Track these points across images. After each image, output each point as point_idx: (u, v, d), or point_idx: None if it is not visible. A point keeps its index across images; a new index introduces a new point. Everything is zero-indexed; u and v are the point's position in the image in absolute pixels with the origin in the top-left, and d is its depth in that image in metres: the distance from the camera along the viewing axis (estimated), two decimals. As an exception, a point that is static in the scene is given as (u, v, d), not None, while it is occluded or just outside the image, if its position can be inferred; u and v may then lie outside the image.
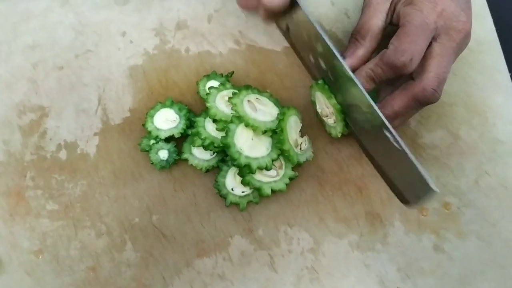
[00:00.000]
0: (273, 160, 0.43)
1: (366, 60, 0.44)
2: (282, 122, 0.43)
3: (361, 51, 0.44)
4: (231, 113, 0.44)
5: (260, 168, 0.42)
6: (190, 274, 0.44)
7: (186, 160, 0.46)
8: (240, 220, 0.46)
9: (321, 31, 0.41)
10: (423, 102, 0.41)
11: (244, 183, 0.43)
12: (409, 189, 0.39)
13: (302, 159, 0.45)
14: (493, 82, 0.50)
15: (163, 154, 0.46)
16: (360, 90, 0.40)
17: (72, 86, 0.50)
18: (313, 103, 0.47)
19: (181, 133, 0.46)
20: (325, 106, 0.45)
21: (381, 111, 0.42)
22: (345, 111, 0.44)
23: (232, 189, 0.44)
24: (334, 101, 0.44)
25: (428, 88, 0.41)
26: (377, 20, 0.44)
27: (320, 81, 0.45)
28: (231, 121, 0.43)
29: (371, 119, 0.40)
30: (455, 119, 0.49)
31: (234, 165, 0.43)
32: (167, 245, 0.45)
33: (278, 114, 0.44)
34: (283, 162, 0.45)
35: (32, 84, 0.50)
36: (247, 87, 0.45)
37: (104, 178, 0.47)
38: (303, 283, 0.44)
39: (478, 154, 0.48)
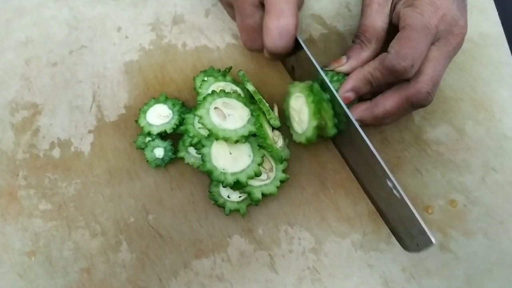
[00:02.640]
0: (259, 164, 0.42)
1: (368, 62, 0.43)
2: (259, 117, 0.42)
3: (366, 54, 0.43)
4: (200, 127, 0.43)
5: (250, 178, 0.41)
6: (187, 275, 0.43)
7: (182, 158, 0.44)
8: (239, 220, 0.44)
9: (323, 74, 0.41)
10: (416, 104, 0.41)
11: (234, 189, 0.42)
12: (409, 236, 0.39)
13: (284, 155, 0.44)
14: (499, 76, 0.49)
15: (159, 152, 0.45)
16: (361, 135, 0.39)
17: (66, 83, 0.49)
18: (286, 107, 0.45)
19: (173, 128, 0.45)
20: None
21: (373, 110, 0.42)
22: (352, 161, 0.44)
23: (228, 196, 0.43)
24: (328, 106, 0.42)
25: (422, 90, 0.40)
26: (381, 22, 0.43)
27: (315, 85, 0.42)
28: (202, 145, 0.42)
29: (373, 166, 0.39)
30: (460, 114, 0.47)
31: (224, 187, 0.42)
32: (163, 245, 0.43)
33: (251, 112, 0.42)
34: (273, 164, 0.43)
35: (25, 81, 0.49)
36: (212, 93, 0.43)
37: (98, 176, 0.45)
38: (305, 284, 0.43)
39: (484, 150, 0.46)
